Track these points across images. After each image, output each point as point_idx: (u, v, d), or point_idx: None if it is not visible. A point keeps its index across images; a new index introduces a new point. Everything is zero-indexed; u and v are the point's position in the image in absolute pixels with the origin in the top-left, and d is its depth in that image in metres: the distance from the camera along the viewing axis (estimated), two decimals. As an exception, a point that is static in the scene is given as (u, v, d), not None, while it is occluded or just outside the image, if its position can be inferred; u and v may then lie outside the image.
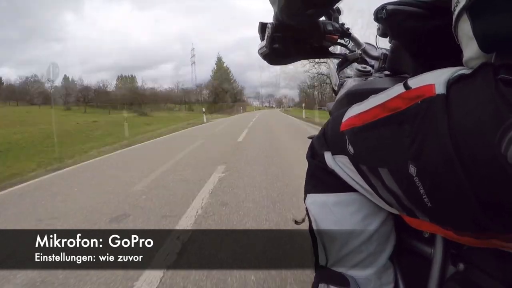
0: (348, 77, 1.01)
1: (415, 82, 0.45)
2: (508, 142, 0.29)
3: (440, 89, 0.39)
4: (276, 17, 0.79)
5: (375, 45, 0.96)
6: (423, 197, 0.40)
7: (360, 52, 0.95)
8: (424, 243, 0.59)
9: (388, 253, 0.60)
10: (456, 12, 0.41)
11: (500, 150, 0.30)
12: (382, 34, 0.75)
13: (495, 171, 0.32)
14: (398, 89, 0.47)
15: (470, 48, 0.40)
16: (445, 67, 0.44)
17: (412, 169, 0.40)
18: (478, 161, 0.33)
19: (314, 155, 0.69)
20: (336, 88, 1.08)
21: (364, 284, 0.58)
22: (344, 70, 1.08)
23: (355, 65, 0.96)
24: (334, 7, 0.88)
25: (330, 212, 0.62)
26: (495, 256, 0.44)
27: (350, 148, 0.54)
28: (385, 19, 0.63)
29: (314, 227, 0.66)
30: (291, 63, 1.00)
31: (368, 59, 0.95)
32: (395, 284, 0.61)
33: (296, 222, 0.91)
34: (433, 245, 0.55)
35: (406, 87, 0.45)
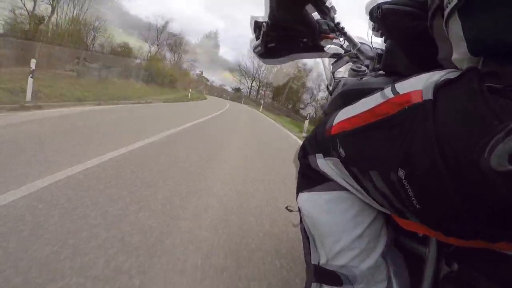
0: (343, 76, 1.00)
1: (403, 86, 0.46)
2: (491, 148, 0.30)
3: (427, 94, 0.39)
4: (270, 15, 0.78)
5: (370, 44, 0.96)
6: (412, 199, 0.41)
7: (355, 51, 0.95)
8: (419, 242, 0.59)
9: (380, 250, 0.60)
10: (447, 11, 0.42)
11: (483, 156, 0.31)
12: (377, 33, 0.75)
13: (480, 177, 0.32)
14: (387, 94, 0.47)
15: (459, 49, 0.41)
16: (439, 66, 0.44)
17: (401, 173, 0.41)
18: (463, 167, 0.34)
19: (306, 156, 0.70)
20: (330, 88, 1.08)
21: (357, 282, 0.58)
22: (338, 69, 1.08)
23: (350, 64, 0.96)
24: (330, 6, 0.88)
25: (322, 209, 0.63)
26: (489, 256, 0.44)
27: (342, 151, 0.55)
28: (380, 19, 0.63)
29: (307, 225, 0.67)
30: (285, 62, 1.00)
31: (363, 59, 0.95)
32: (388, 282, 0.61)
33: (288, 209, 0.91)
34: (427, 245, 0.55)
35: (394, 92, 0.46)
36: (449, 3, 0.41)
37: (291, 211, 0.91)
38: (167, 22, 32.08)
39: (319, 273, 0.63)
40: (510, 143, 0.29)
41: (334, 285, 0.59)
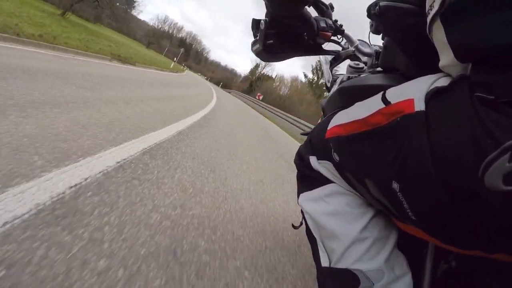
0: (341, 73, 1.01)
1: (394, 95, 0.45)
2: (485, 168, 0.30)
3: (419, 105, 0.38)
4: (267, 11, 0.78)
5: (368, 42, 0.96)
6: (407, 211, 0.40)
7: (353, 49, 0.95)
8: (418, 239, 0.59)
9: (394, 237, 0.56)
10: (430, 17, 0.41)
11: (477, 175, 0.30)
12: (375, 31, 0.75)
13: (475, 195, 0.32)
14: (378, 103, 0.46)
15: (446, 56, 0.40)
16: (437, 64, 0.45)
17: (395, 185, 0.40)
18: (458, 185, 0.33)
19: (301, 159, 0.70)
20: (329, 85, 1.08)
21: (376, 278, 0.50)
22: (337, 67, 1.08)
23: (348, 62, 0.96)
24: (327, 4, 0.88)
25: (324, 203, 0.61)
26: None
27: (336, 156, 0.54)
28: (378, 16, 0.62)
29: (311, 225, 0.65)
30: (284, 60, 0.99)
31: (361, 56, 0.95)
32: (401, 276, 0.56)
33: (294, 227, 0.91)
34: (427, 242, 0.56)
35: (385, 102, 0.45)
36: (431, 10, 0.40)
37: (297, 227, 0.90)
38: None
39: (331, 275, 0.57)
40: (504, 163, 0.28)
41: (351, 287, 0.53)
